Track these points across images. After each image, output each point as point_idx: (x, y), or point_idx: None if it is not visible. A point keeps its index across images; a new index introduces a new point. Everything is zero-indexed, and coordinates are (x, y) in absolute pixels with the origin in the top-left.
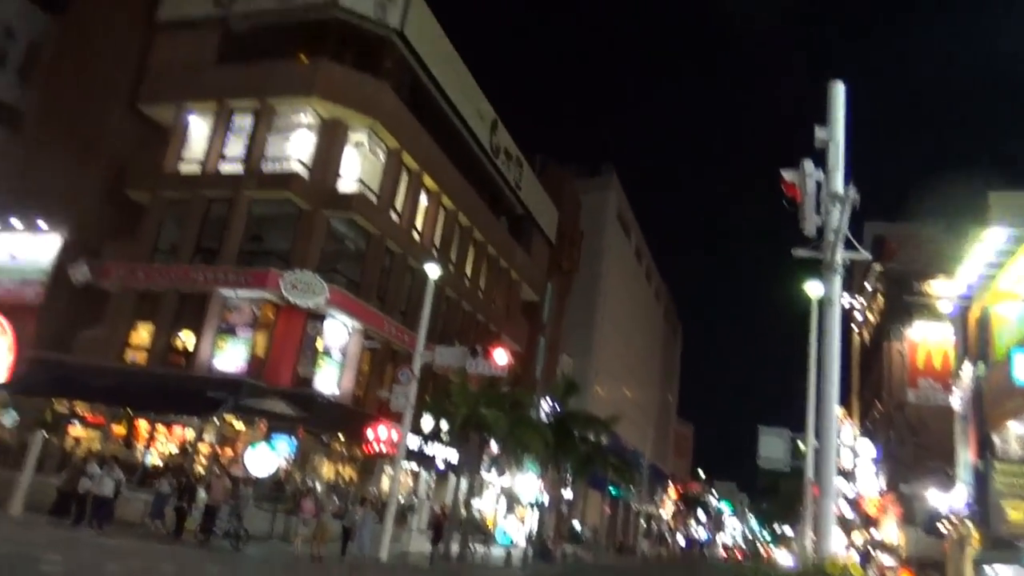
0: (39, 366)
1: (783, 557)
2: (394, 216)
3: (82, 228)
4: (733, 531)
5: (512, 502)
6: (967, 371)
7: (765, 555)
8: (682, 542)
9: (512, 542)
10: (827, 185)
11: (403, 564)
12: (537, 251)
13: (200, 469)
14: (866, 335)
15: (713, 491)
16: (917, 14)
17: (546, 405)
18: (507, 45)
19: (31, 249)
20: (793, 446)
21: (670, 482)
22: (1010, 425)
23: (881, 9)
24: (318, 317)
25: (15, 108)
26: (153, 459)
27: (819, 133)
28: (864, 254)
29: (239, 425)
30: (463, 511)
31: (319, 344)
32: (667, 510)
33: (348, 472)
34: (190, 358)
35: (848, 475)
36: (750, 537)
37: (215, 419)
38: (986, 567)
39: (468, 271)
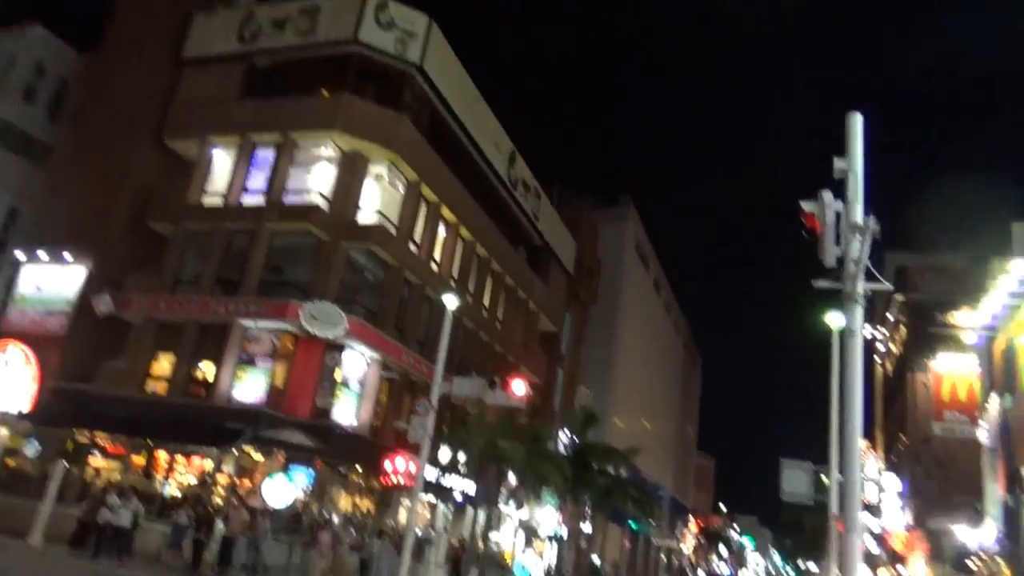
0: (62, 396)
1: None
2: (413, 247)
3: (106, 260)
4: (756, 567)
5: (530, 536)
6: (994, 403)
7: None
8: None
9: None
10: (847, 216)
11: None
12: (555, 282)
13: (218, 500)
14: (889, 366)
15: (735, 525)
16: (942, 39)
17: (564, 437)
18: (527, 76)
19: (56, 280)
20: (817, 480)
21: (691, 516)
22: None
23: (903, 35)
24: (337, 348)
25: (44, 143)
26: (172, 490)
27: (838, 163)
28: (886, 285)
29: (257, 456)
30: (481, 544)
31: (337, 375)
32: (688, 545)
33: (365, 504)
34: (210, 389)
35: (874, 510)
36: (773, 573)
37: (234, 450)
38: None
39: (486, 302)
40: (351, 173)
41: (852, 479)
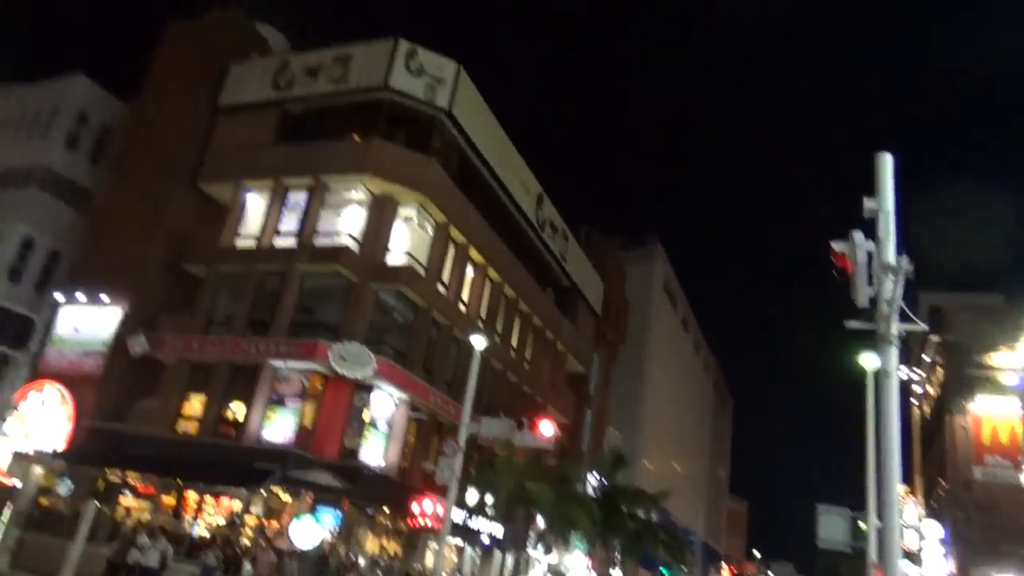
0: (96, 436)
1: None
2: (441, 288)
3: (142, 301)
4: None
5: None
6: None
7: None
8: None
9: None
10: (879, 256)
11: None
12: (583, 322)
13: (246, 541)
14: (926, 409)
15: (769, 572)
16: (980, 74)
17: (593, 479)
18: (555, 117)
19: (93, 322)
20: (854, 526)
21: (723, 562)
22: None
23: (936, 72)
24: (365, 388)
25: (85, 188)
26: (200, 530)
27: (868, 203)
28: (920, 326)
29: (285, 497)
30: None
31: (366, 415)
32: None
33: (392, 546)
34: (240, 429)
35: (914, 557)
36: None
37: (262, 491)
38: None
39: (514, 342)
40: (381, 215)
41: (891, 525)
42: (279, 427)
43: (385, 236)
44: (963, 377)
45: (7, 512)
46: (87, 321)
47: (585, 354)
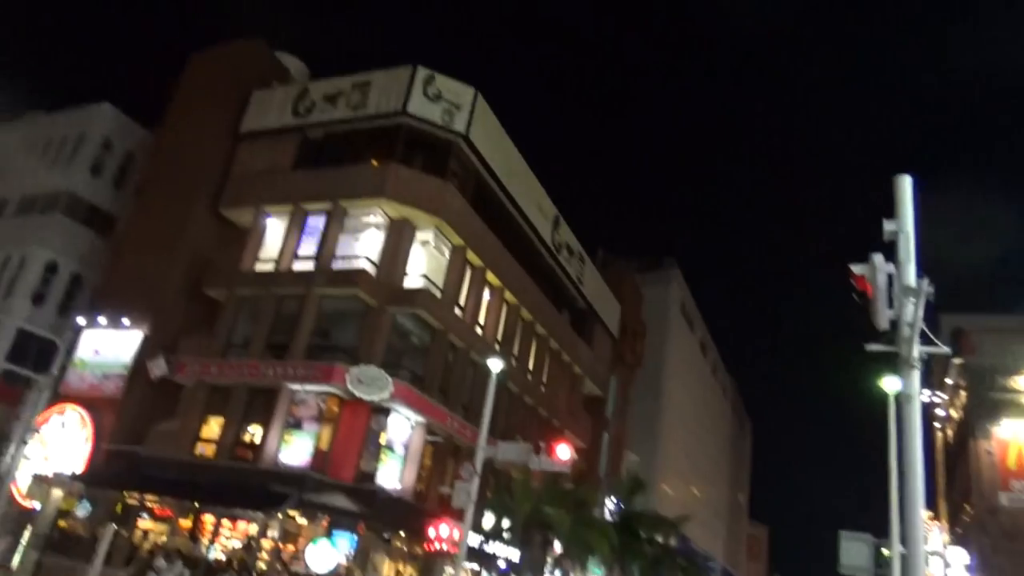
0: (114, 458)
1: None
2: (458, 311)
3: (162, 324)
4: None
5: None
6: None
7: None
8: None
9: None
10: (899, 278)
11: None
12: (600, 345)
13: (262, 565)
14: (949, 432)
15: None
16: (1005, 99)
17: (610, 503)
18: (571, 140)
19: (113, 345)
20: (877, 553)
21: None
22: None
23: (956, 98)
24: (382, 411)
25: (108, 213)
26: (217, 553)
27: (887, 226)
28: (943, 348)
29: (302, 520)
30: None
31: (382, 438)
32: None
33: (408, 571)
34: (257, 451)
35: None
36: None
37: (279, 514)
38: None
39: (531, 365)
40: (398, 239)
41: (915, 552)
42: (296, 450)
43: (402, 260)
44: (987, 400)
45: (26, 534)
46: (108, 344)
47: (602, 377)
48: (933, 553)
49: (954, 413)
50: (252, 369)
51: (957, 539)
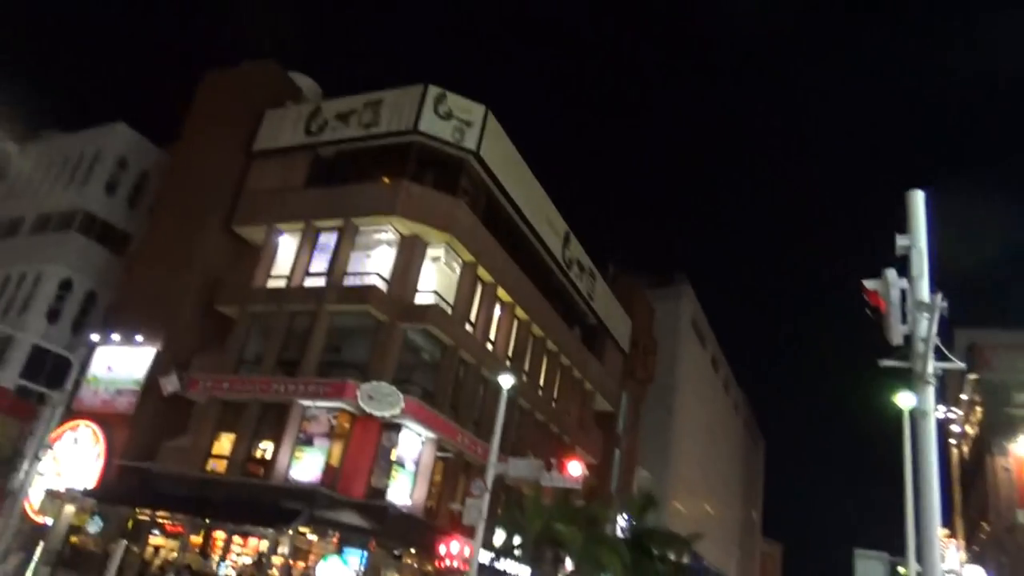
0: (126, 474)
1: None
2: (468, 327)
3: (174, 341)
4: None
5: None
6: None
7: None
8: None
9: None
10: (912, 294)
11: None
12: (611, 361)
13: None
14: (965, 449)
15: None
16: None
17: (622, 520)
18: (582, 155)
19: (126, 361)
20: (893, 571)
21: None
22: None
23: (971, 119)
24: (393, 427)
25: (122, 231)
26: (227, 570)
27: (900, 240)
28: (957, 364)
29: (312, 537)
30: None
31: (393, 455)
32: None
33: None
34: (268, 467)
35: None
36: None
37: (290, 531)
38: None
39: (541, 381)
40: (409, 256)
41: (932, 570)
42: (307, 466)
43: (413, 276)
44: (1003, 416)
45: (38, 550)
46: (121, 360)
47: (613, 393)
48: (950, 572)
49: (970, 429)
50: (263, 385)
51: (974, 557)
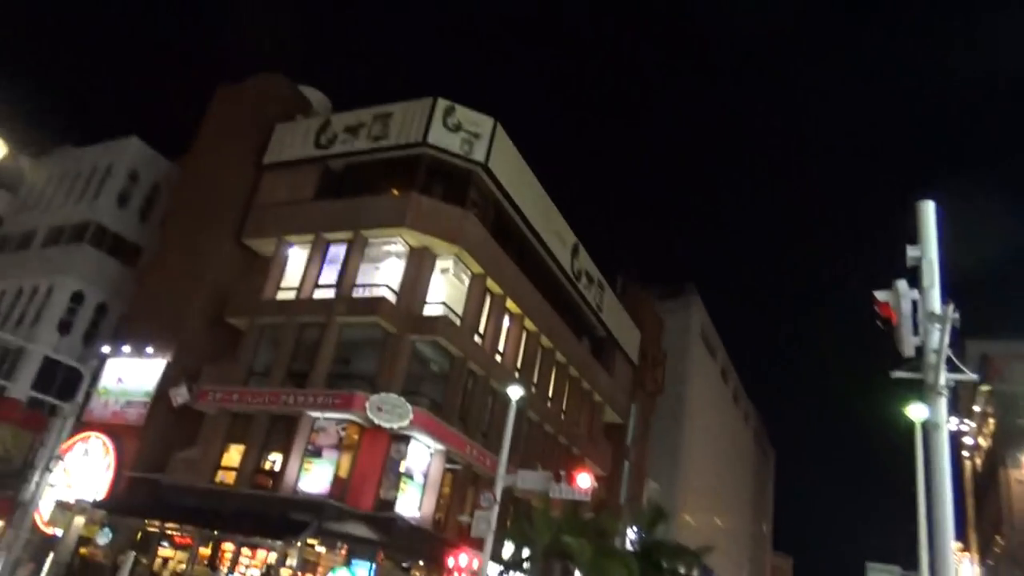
0: (136, 486)
1: None
2: (477, 339)
3: (184, 353)
4: None
5: None
6: None
7: None
8: None
9: None
10: (923, 305)
11: None
12: (620, 372)
13: None
14: (978, 461)
15: None
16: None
17: (631, 533)
18: (591, 166)
19: (137, 373)
20: None
21: None
22: None
23: (980, 130)
24: (402, 439)
25: (133, 244)
26: None
27: (911, 252)
28: (970, 375)
29: (320, 548)
30: None
31: (402, 466)
32: None
33: None
34: (276, 479)
35: None
36: None
37: (298, 542)
38: None
39: (550, 393)
40: (418, 267)
41: None
42: (316, 478)
43: (422, 288)
44: (1016, 428)
45: (48, 561)
46: (131, 372)
47: (622, 404)
48: None
49: (983, 441)
50: (273, 397)
51: (988, 571)
